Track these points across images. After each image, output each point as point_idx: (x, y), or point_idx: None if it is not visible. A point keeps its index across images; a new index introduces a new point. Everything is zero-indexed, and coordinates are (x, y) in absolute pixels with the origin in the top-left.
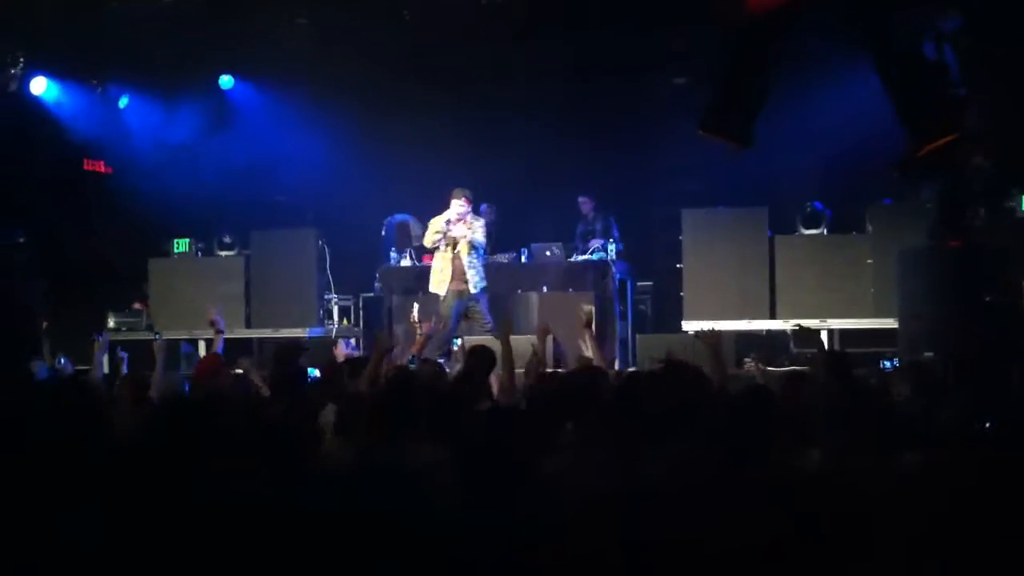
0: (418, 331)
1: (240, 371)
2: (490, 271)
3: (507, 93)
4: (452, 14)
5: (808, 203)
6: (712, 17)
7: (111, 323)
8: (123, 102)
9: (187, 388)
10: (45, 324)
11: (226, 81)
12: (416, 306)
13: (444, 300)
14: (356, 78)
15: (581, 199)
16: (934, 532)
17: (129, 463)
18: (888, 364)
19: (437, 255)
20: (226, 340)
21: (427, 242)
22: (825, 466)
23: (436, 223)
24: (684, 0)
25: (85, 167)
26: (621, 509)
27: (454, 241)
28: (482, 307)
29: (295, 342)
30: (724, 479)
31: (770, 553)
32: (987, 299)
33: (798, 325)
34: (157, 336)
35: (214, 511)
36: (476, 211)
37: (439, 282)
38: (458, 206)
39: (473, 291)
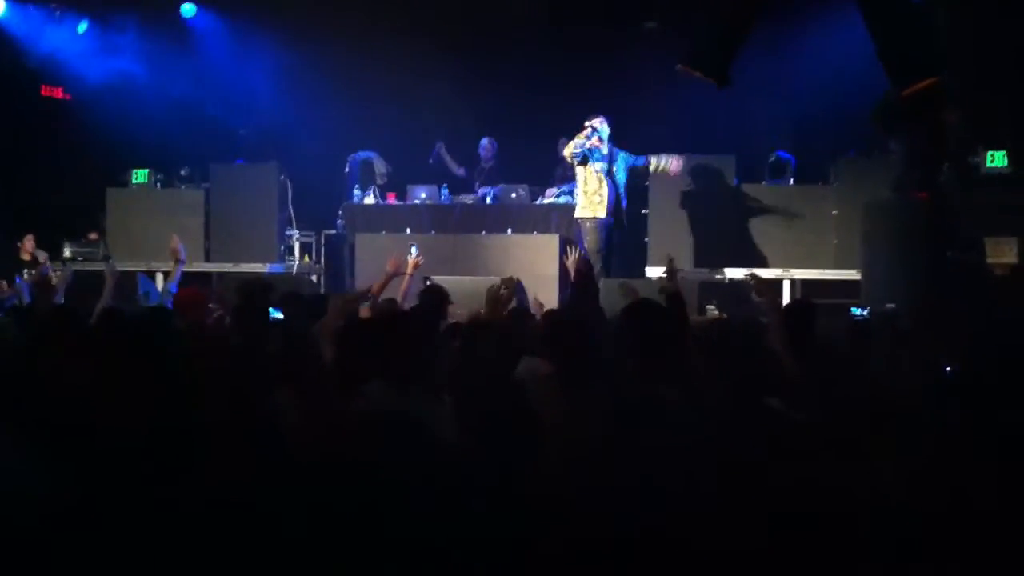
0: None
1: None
2: (454, 212)
3: (478, 34)
4: None
5: (772, 151)
6: None
7: (67, 252)
8: (82, 27)
9: None
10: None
11: (188, 9)
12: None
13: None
14: (323, 11)
15: (562, 140)
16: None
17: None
18: (858, 311)
19: (589, 171)
20: (184, 273)
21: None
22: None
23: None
24: None
25: (42, 92)
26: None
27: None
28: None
29: (263, 283)
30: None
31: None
32: (949, 254)
33: (752, 275)
34: (109, 259)
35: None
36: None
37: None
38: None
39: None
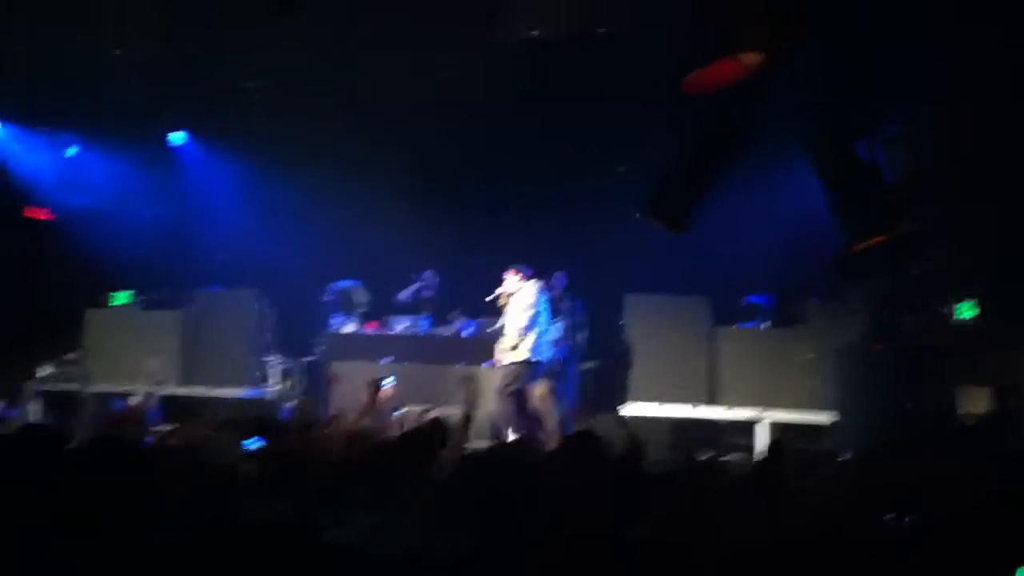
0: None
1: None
2: (432, 343)
3: (456, 167)
4: (401, 84)
5: (744, 299)
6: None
7: (43, 372)
8: (71, 151)
9: None
10: None
11: (177, 137)
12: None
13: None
14: (304, 142)
15: (557, 274)
16: None
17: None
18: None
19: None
20: (162, 397)
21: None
22: None
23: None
24: (629, 91)
25: (28, 213)
26: None
27: None
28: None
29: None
30: None
31: None
32: (908, 406)
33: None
34: (87, 381)
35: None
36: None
37: None
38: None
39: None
